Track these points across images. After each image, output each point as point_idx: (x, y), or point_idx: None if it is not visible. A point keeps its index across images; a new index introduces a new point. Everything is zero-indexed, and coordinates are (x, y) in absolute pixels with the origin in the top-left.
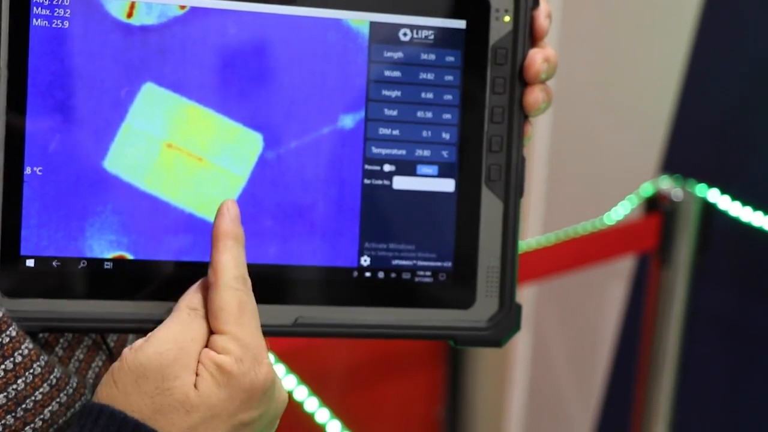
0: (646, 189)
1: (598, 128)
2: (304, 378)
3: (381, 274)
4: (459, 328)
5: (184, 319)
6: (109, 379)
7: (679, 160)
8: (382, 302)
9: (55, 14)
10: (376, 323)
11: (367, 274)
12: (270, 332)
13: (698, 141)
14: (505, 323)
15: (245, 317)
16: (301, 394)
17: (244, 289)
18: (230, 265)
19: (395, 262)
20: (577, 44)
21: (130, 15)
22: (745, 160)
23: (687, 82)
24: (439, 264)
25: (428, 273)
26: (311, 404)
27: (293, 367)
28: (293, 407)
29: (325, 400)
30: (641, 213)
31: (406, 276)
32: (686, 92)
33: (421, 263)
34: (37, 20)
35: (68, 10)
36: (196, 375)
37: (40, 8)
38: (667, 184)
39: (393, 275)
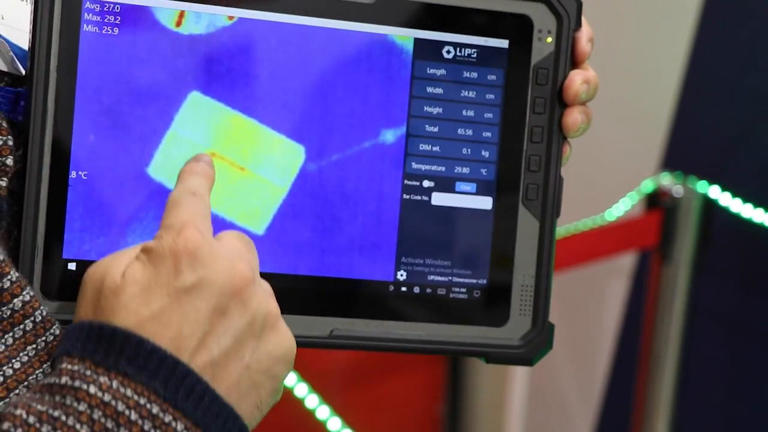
0: (647, 185)
1: (599, 125)
2: (305, 375)
3: (417, 289)
4: (491, 346)
5: None
6: None
7: (680, 156)
8: (416, 317)
9: (106, 21)
10: (409, 338)
11: (403, 288)
12: (306, 343)
13: (699, 137)
14: (538, 342)
15: (175, 209)
16: (302, 391)
17: (188, 195)
18: (179, 186)
19: (431, 277)
20: None
21: (179, 24)
22: (746, 156)
23: (688, 79)
24: (474, 281)
25: (463, 290)
26: (312, 401)
27: (294, 364)
28: (294, 405)
29: (326, 398)
30: (642, 209)
31: (441, 292)
32: (687, 88)
33: (456, 280)
34: (87, 26)
35: (118, 17)
36: None
37: (91, 14)
38: (667, 181)
39: (428, 290)
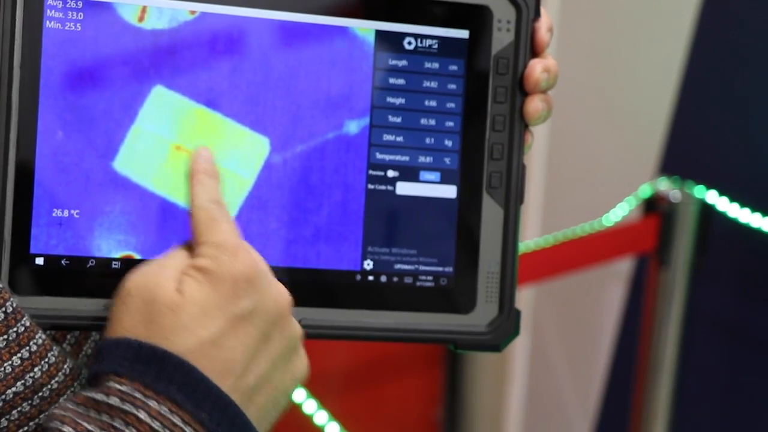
0: (645, 190)
1: (597, 129)
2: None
3: (383, 278)
4: (459, 333)
5: (163, 255)
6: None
7: (678, 161)
8: (384, 305)
9: (69, 17)
10: (378, 326)
11: (370, 277)
12: None
13: (696, 142)
14: (505, 328)
15: (216, 225)
16: (300, 395)
17: (217, 207)
18: (201, 192)
19: (397, 266)
20: (575, 46)
21: (141, 19)
22: (743, 160)
23: (685, 83)
24: (440, 269)
25: (429, 277)
26: (310, 406)
27: None
28: (292, 410)
29: (324, 402)
30: (640, 214)
31: (407, 280)
32: (684, 93)
33: (422, 268)
34: (50, 22)
35: (81, 13)
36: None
37: (53, 11)
38: (665, 186)
39: (395, 279)
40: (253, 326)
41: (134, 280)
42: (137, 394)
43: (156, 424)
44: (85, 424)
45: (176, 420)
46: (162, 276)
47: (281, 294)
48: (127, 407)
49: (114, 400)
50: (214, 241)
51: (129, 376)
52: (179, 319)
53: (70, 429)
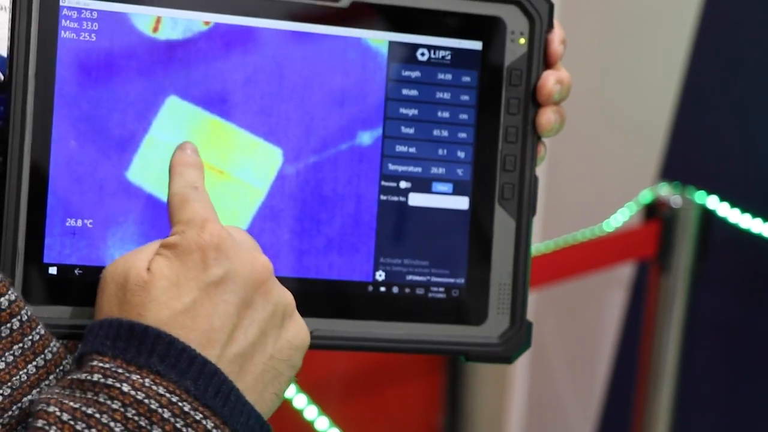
0: (645, 196)
1: (597, 135)
2: (304, 386)
3: (395, 289)
4: (470, 344)
5: None
6: None
7: (678, 166)
8: (395, 317)
9: (83, 27)
10: (389, 337)
11: (382, 288)
12: None
13: (697, 147)
14: (516, 340)
15: (188, 205)
16: (301, 401)
17: (192, 190)
18: (178, 180)
19: (409, 277)
20: (575, 50)
21: (155, 29)
22: (744, 166)
23: (686, 88)
24: (452, 280)
25: (441, 289)
26: (311, 412)
27: None
28: (293, 415)
29: (325, 408)
30: (640, 220)
31: (419, 291)
32: (685, 98)
33: (434, 279)
34: (65, 32)
35: (96, 24)
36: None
37: (68, 21)
38: (666, 191)
39: (407, 290)
40: (229, 293)
41: (109, 268)
42: (120, 370)
43: (140, 395)
44: (70, 403)
45: (161, 390)
46: (133, 259)
47: (258, 260)
48: (110, 382)
49: (97, 377)
50: (182, 219)
51: (111, 354)
52: (149, 295)
53: (55, 408)
